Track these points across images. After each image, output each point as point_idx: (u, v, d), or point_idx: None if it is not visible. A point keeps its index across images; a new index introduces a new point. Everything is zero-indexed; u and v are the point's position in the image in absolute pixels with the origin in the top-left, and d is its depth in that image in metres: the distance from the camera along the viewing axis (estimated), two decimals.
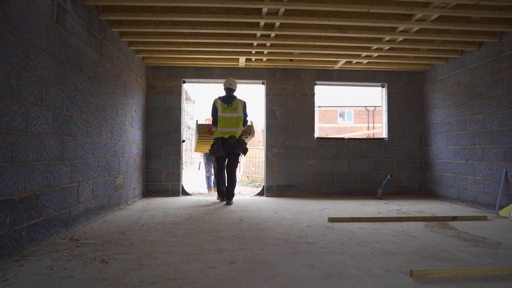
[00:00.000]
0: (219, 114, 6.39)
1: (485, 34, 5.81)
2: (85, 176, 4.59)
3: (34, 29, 3.46)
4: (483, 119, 6.11)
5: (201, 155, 9.74)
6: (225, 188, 6.68)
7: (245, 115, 6.59)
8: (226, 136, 6.40)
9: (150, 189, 7.64)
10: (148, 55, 7.04)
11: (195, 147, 8.23)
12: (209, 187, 9.23)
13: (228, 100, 6.50)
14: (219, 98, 6.52)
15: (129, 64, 6.40)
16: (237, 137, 6.47)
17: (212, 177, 9.21)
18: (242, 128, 6.58)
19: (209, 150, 6.50)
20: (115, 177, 5.68)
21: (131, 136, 6.56)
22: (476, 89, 6.30)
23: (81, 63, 4.45)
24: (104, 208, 5.23)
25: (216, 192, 7.11)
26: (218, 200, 6.92)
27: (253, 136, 7.28)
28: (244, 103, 6.58)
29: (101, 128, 5.10)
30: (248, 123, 7.03)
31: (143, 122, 7.44)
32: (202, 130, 7.21)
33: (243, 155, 6.67)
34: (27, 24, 3.36)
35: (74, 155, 4.26)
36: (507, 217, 5.21)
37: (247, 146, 7.82)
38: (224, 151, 6.42)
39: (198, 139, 7.54)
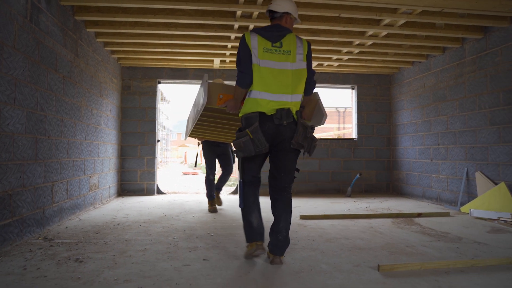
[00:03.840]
0: (255, 61, 2.98)
1: (448, 39, 6.07)
2: (60, 175, 4.59)
3: (7, 28, 3.45)
4: (447, 120, 6.40)
5: (199, 144, 6.01)
6: (261, 226, 3.23)
7: (311, 70, 3.21)
8: (269, 111, 3.01)
9: (125, 189, 7.63)
10: (123, 56, 7.03)
11: (191, 129, 4.81)
12: (210, 196, 5.75)
13: (275, 34, 3.08)
14: (255, 30, 3.10)
15: (104, 65, 6.39)
16: (294, 115, 3.10)
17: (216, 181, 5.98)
18: (302, 96, 3.18)
19: (233, 143, 3.05)
20: (90, 177, 5.68)
21: (106, 136, 6.55)
22: (440, 92, 6.58)
23: (55, 63, 4.45)
24: (79, 208, 5.23)
25: (246, 240, 3.23)
26: (250, 254, 3.17)
27: (323, 120, 3.68)
28: (308, 44, 3.19)
29: (76, 128, 5.10)
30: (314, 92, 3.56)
31: (118, 122, 7.42)
32: (215, 98, 3.40)
33: (307, 154, 3.30)
34: (0, 23, 3.35)
35: (48, 155, 4.26)
36: (468, 213, 5.46)
37: None
38: (267, 143, 3.03)
39: (201, 115, 3.92)
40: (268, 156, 3.37)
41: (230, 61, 7.57)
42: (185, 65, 7.76)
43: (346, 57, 7.01)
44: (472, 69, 5.84)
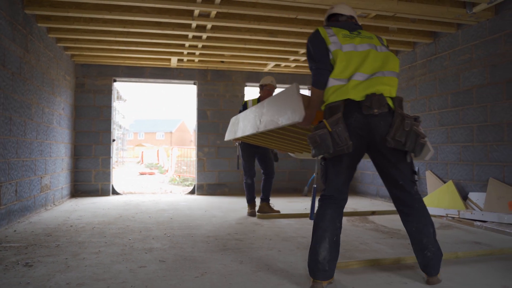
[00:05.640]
0: (335, 47, 2.54)
1: (401, 43, 6.32)
2: (8, 176, 4.39)
3: None
4: None
5: (237, 145, 5.61)
6: (328, 260, 2.48)
7: None
8: (357, 97, 2.45)
9: (79, 189, 7.40)
10: (77, 53, 6.83)
11: (243, 136, 4.23)
12: (250, 200, 5.40)
13: (350, 24, 2.76)
14: (329, 24, 2.76)
15: (57, 61, 6.16)
16: (391, 102, 2.50)
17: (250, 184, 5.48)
18: (396, 80, 2.60)
19: (307, 137, 2.46)
20: (41, 177, 5.46)
21: (59, 135, 6.32)
22: None
23: (3, 58, 4.25)
24: (29, 210, 5.02)
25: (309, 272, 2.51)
26: None
27: (429, 156, 2.69)
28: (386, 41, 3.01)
29: (26, 127, 4.89)
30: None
31: (71, 121, 7.18)
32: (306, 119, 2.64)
33: (413, 155, 2.53)
34: None
35: None
36: None
37: None
38: (356, 139, 2.47)
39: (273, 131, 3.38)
40: (373, 163, 2.74)
41: (188, 60, 7.51)
42: (142, 63, 7.63)
43: (303, 58, 7.13)
44: (423, 72, 6.10)
